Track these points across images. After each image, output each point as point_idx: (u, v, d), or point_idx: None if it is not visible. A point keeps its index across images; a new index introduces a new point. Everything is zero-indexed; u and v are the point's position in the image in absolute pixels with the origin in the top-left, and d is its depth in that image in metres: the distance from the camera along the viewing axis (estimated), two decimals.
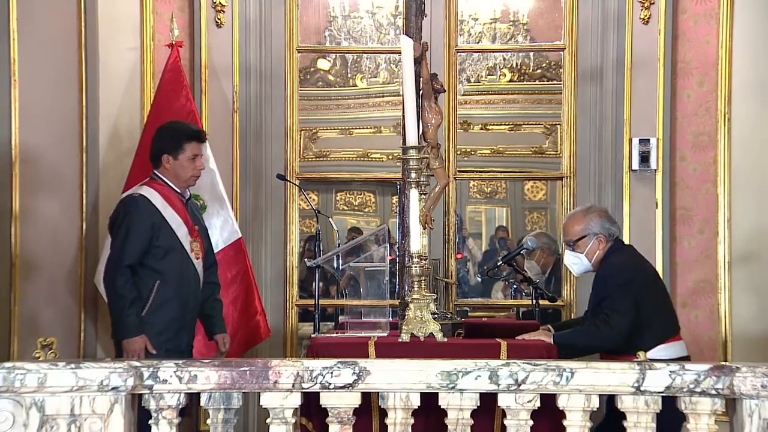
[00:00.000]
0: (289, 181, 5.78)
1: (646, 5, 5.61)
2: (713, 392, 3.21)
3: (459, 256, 6.45)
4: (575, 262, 4.55)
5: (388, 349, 4.35)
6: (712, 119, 5.63)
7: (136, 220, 4.46)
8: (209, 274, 4.75)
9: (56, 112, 5.23)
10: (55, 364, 3.19)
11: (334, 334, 4.80)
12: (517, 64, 7.73)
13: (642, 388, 3.22)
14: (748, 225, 5.59)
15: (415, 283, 4.46)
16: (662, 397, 3.25)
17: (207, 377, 3.25)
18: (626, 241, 5.59)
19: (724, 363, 3.36)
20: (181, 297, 4.54)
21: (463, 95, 7.19)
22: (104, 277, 4.58)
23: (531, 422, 3.28)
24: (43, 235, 5.04)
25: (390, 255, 5.04)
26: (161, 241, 4.49)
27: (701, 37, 5.66)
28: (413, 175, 4.51)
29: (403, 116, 4.52)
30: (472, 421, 3.30)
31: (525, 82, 8.00)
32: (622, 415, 3.30)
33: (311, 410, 3.96)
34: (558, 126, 6.75)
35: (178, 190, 4.61)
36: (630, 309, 4.28)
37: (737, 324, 5.56)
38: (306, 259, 5.13)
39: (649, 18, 5.62)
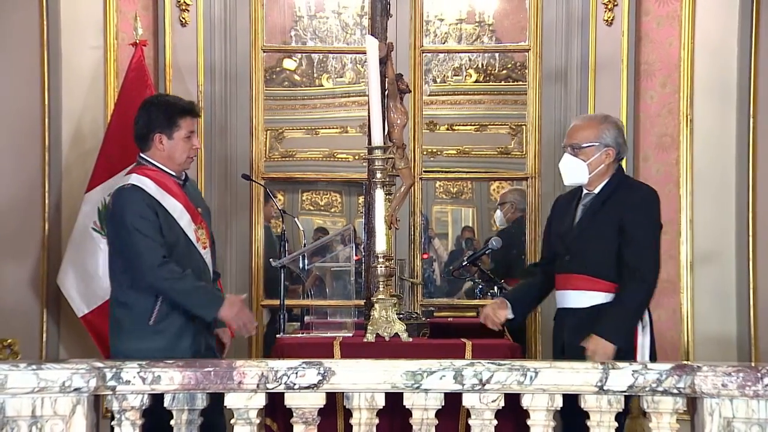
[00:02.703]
0: (255, 181, 5.76)
1: (609, 7, 5.65)
2: (675, 391, 3.24)
3: (425, 256, 6.46)
4: (573, 170, 4.12)
5: (354, 350, 4.35)
6: (675, 120, 5.67)
7: (139, 214, 3.93)
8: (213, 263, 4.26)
9: (18, 111, 5.19)
10: (16, 365, 3.16)
11: (300, 335, 4.80)
12: (482, 64, 7.75)
13: (605, 388, 3.25)
14: (710, 225, 5.65)
15: (381, 283, 4.47)
16: None
17: (171, 378, 3.23)
18: None
19: (685, 362, 3.39)
20: None
21: (429, 96, 7.20)
22: (147, 286, 3.96)
23: (495, 422, 3.29)
24: (5, 234, 5.00)
25: (356, 255, 5.04)
26: (165, 235, 3.97)
27: (664, 39, 5.71)
28: (379, 175, 4.51)
29: (369, 116, 4.53)
30: (436, 421, 3.31)
31: (491, 83, 8.02)
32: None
33: (276, 411, 3.96)
34: (523, 126, 6.78)
35: (173, 173, 4.09)
36: (657, 258, 4.05)
37: (699, 324, 5.61)
38: (271, 259, 5.11)
39: (612, 20, 5.66)
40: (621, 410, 3.32)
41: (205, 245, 4.13)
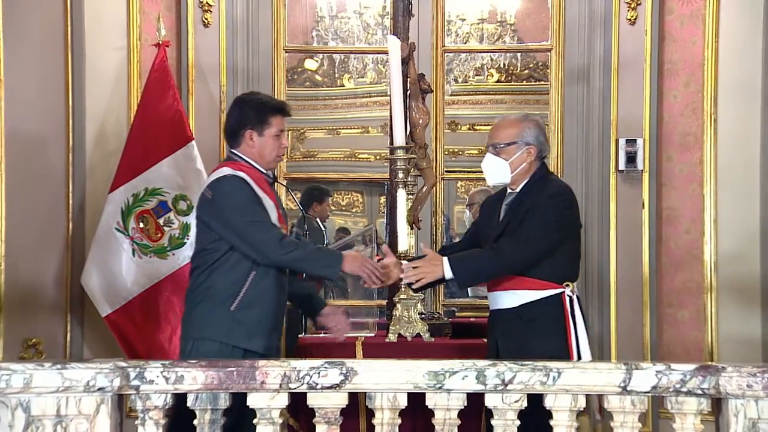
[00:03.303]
0: (277, 182, 5.77)
1: (632, 6, 5.62)
2: (699, 392, 3.22)
3: None
4: (495, 169, 4.08)
5: (376, 350, 4.36)
6: (699, 120, 5.64)
7: (246, 198, 3.98)
8: None
9: (43, 112, 5.22)
10: (41, 364, 3.18)
11: (322, 335, 4.81)
12: (504, 64, 7.74)
13: (628, 388, 3.23)
14: (734, 225, 5.61)
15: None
16: None
17: (194, 378, 3.24)
18: (613, 242, 5.62)
19: (710, 363, 3.38)
20: (277, 291, 4.07)
21: (450, 95, 7.20)
22: (271, 263, 4.00)
23: (518, 422, 3.28)
24: (29, 234, 5.03)
25: (377, 255, 5.04)
26: None
27: (687, 38, 5.67)
28: (401, 175, 4.52)
29: (391, 116, 4.54)
30: (459, 421, 3.30)
31: (512, 83, 8.00)
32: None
33: (298, 410, 3.97)
34: (545, 126, 6.74)
35: (264, 171, 4.16)
36: (549, 239, 3.93)
37: (723, 324, 5.57)
38: None
39: (635, 19, 5.63)
40: (644, 411, 3.31)
41: None
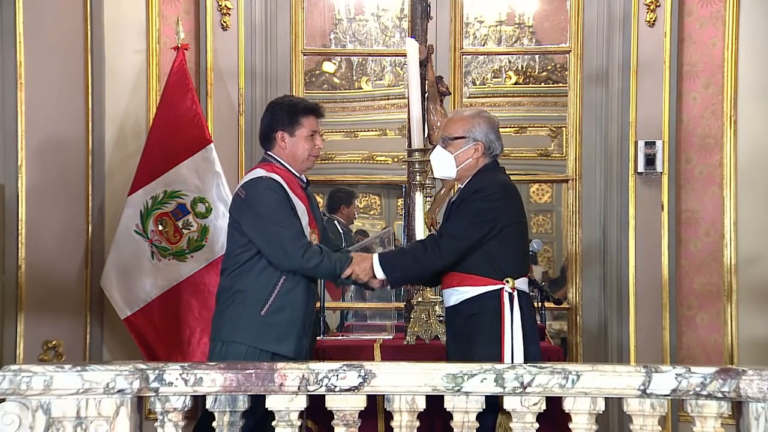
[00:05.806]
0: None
1: (651, 8, 5.60)
2: (719, 395, 3.20)
3: None
4: (441, 162, 4.07)
5: (394, 352, 4.36)
6: (718, 122, 5.61)
7: (278, 203, 3.98)
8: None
9: (62, 115, 5.25)
10: (61, 366, 3.19)
11: (340, 337, 4.81)
12: (522, 66, 7.74)
13: (648, 391, 3.22)
14: (754, 228, 5.58)
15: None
16: None
17: (213, 380, 3.25)
18: (632, 245, 5.60)
19: (730, 366, 3.35)
20: (307, 296, 4.07)
21: (468, 98, 7.20)
22: (292, 270, 4.00)
23: (537, 425, 3.28)
24: (49, 237, 5.06)
25: None
26: None
27: (707, 39, 5.65)
28: (418, 177, 4.52)
29: (409, 119, 4.54)
30: (477, 424, 3.30)
31: (530, 85, 8.00)
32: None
33: (317, 413, 3.97)
34: (563, 128, 6.75)
35: (297, 174, 4.16)
36: (470, 235, 3.91)
37: (743, 327, 5.54)
38: None
39: (654, 20, 5.61)
40: (664, 414, 3.29)
41: None
